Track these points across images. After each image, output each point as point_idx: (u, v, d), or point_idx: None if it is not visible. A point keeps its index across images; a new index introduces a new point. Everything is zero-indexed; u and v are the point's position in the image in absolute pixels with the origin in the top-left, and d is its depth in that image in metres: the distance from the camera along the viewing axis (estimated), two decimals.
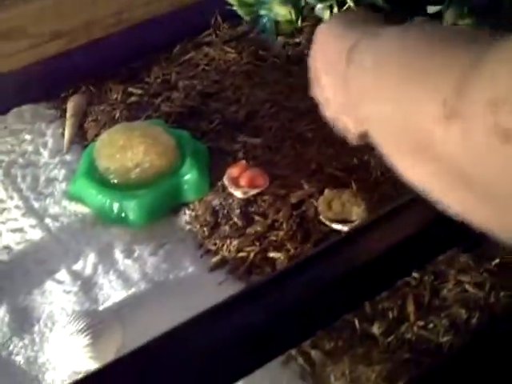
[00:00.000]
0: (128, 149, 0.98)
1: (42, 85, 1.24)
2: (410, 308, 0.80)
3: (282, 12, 1.03)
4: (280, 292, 0.52)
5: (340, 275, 0.54)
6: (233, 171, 0.98)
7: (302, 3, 1.05)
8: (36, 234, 0.99)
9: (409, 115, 0.44)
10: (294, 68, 1.21)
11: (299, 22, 1.04)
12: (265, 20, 1.08)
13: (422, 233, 0.53)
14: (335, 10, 1.04)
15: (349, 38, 0.62)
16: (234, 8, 1.08)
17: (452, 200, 0.43)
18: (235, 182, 0.96)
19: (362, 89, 0.55)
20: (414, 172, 0.45)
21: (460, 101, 0.37)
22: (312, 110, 1.09)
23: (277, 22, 1.07)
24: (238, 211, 0.94)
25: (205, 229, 0.94)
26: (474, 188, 0.39)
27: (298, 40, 1.28)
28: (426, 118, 0.41)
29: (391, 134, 0.48)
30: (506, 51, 0.35)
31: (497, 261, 0.82)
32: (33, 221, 1.01)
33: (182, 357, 0.50)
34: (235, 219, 0.94)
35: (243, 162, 0.99)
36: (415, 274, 0.82)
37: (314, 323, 0.54)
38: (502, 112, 0.34)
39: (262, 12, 1.06)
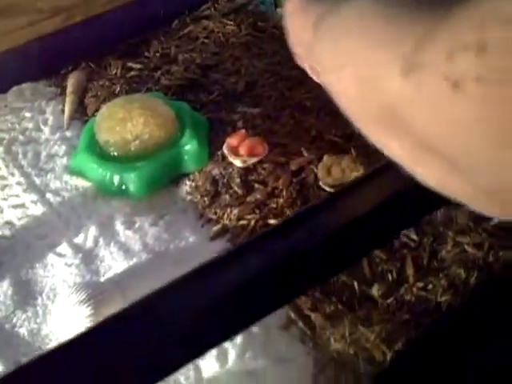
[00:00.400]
0: (127, 121, 0.98)
1: (42, 62, 1.24)
2: (409, 270, 0.80)
3: None
4: (267, 251, 0.52)
5: (332, 232, 0.53)
6: (232, 141, 0.97)
7: None
8: (37, 210, 0.99)
9: (371, 78, 0.43)
10: None
11: None
12: None
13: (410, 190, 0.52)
14: None
15: (312, 12, 0.62)
16: None
17: (423, 172, 0.41)
18: (235, 152, 0.96)
19: (323, 61, 0.54)
20: (380, 140, 0.44)
21: (418, 54, 0.37)
22: (310, 78, 1.09)
23: None
24: (237, 180, 0.94)
25: (205, 198, 0.94)
26: (437, 154, 0.37)
27: None
28: (386, 76, 0.40)
29: (355, 101, 0.47)
30: (468, 8, 0.34)
31: (495, 221, 0.81)
32: (34, 196, 1.01)
33: (181, 310, 0.50)
34: (235, 188, 0.94)
35: (242, 131, 0.99)
36: (414, 236, 0.82)
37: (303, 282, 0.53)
38: (456, 61, 0.33)
39: None
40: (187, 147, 0.97)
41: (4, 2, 1.17)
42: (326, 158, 0.93)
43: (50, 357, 0.44)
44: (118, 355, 0.46)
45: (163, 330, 0.47)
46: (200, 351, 0.49)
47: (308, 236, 0.52)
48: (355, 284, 0.79)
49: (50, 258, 0.92)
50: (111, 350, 0.46)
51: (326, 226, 0.53)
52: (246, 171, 0.95)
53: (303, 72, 1.09)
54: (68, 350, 0.45)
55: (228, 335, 0.51)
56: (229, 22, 1.27)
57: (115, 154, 0.99)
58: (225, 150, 0.97)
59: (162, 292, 0.49)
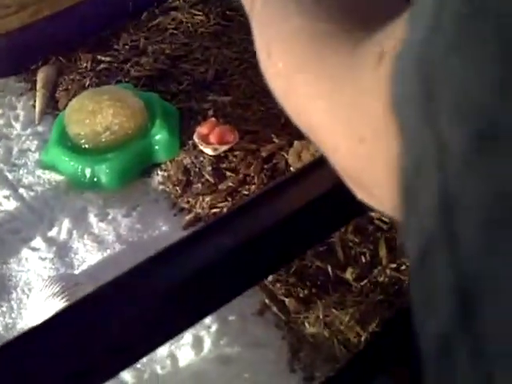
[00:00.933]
0: (97, 113, 0.98)
1: (10, 58, 1.23)
2: (382, 252, 0.80)
3: None
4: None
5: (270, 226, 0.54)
6: (202, 129, 0.98)
7: None
8: (10, 205, 0.99)
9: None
10: None
11: None
12: None
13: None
14: None
15: None
16: None
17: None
18: (205, 140, 0.96)
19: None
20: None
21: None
22: None
23: None
24: (209, 168, 0.94)
25: (177, 188, 0.94)
26: None
27: None
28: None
29: (281, 99, 0.47)
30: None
31: None
32: (6, 192, 1.01)
33: (152, 290, 0.50)
34: (207, 176, 0.94)
35: (213, 119, 0.99)
36: (386, 219, 0.82)
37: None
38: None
39: None
40: (157, 137, 0.97)
41: None
42: (295, 143, 0.93)
43: (24, 337, 0.45)
44: (91, 336, 0.46)
45: (133, 312, 0.47)
46: (170, 334, 0.49)
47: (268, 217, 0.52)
48: (329, 268, 0.79)
49: (24, 252, 0.91)
50: (84, 330, 0.46)
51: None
52: (218, 159, 0.95)
53: None
54: (42, 331, 0.45)
55: (198, 317, 0.51)
56: (197, 13, 1.27)
57: (86, 146, 0.99)
58: (195, 138, 0.97)
59: (129, 274, 0.49)
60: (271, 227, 0.51)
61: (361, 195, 0.40)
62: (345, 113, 0.37)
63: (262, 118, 1.01)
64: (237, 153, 0.96)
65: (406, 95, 0.27)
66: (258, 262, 0.51)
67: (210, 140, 0.96)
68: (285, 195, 0.53)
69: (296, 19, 0.46)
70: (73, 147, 1.00)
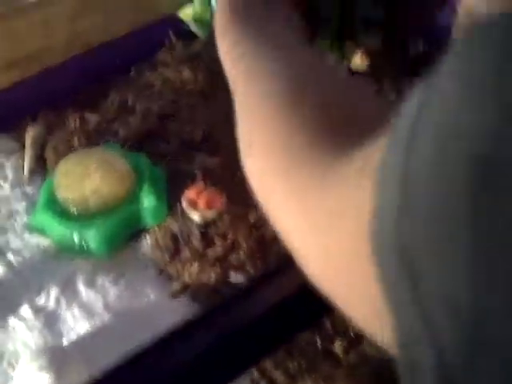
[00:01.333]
0: (85, 177, 0.98)
1: None
2: None
3: None
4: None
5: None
6: (190, 193, 0.98)
7: None
8: None
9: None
10: None
11: None
12: None
13: None
14: None
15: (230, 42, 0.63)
16: (190, 26, 1.09)
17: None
18: (193, 205, 0.96)
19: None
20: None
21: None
22: None
23: None
24: (197, 234, 0.94)
25: (165, 255, 0.94)
26: None
27: None
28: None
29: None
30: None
31: None
32: None
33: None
34: (195, 243, 0.94)
35: (200, 183, 1.00)
36: None
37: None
38: None
39: None
40: (146, 202, 0.98)
41: None
42: None
43: None
44: None
45: None
46: None
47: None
48: (318, 339, 0.79)
49: (11, 321, 0.91)
50: None
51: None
52: (206, 224, 0.95)
53: None
54: None
55: None
56: (185, 70, 1.27)
57: (75, 210, 0.99)
58: (183, 203, 0.98)
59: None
60: (265, 314, 0.51)
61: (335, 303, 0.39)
62: (320, 228, 0.37)
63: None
64: (225, 217, 0.96)
65: (385, 249, 0.27)
66: (252, 346, 0.52)
67: (198, 205, 0.96)
68: (276, 283, 0.53)
69: (274, 122, 0.47)
70: (61, 211, 1.00)
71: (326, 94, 0.47)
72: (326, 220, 0.36)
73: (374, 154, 0.31)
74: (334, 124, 0.43)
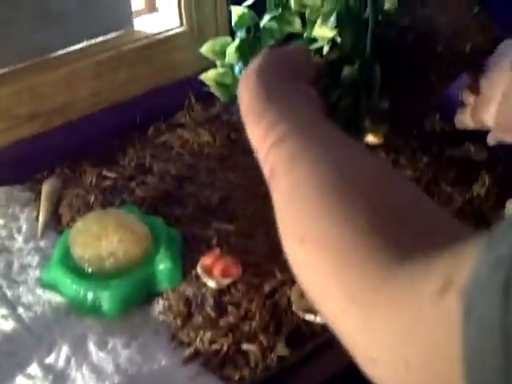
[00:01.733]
0: (102, 237, 0.99)
1: (17, 167, 1.25)
2: None
3: None
4: None
5: None
6: (206, 260, 0.99)
7: None
8: (8, 325, 0.98)
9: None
10: None
11: None
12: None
13: None
14: None
15: (266, 128, 0.63)
16: (210, 89, 1.11)
17: None
18: (208, 271, 0.97)
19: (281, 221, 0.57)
20: None
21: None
22: None
23: None
24: (211, 301, 0.95)
25: (178, 320, 0.94)
26: None
27: None
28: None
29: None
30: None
31: None
32: (5, 310, 1.00)
33: None
34: (208, 310, 0.94)
35: (217, 250, 1.00)
36: None
37: None
38: None
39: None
40: (161, 266, 0.98)
41: None
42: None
43: None
44: None
45: None
46: None
47: None
48: None
49: (19, 379, 0.90)
50: None
51: None
52: (220, 292, 0.96)
53: None
54: None
55: None
56: (203, 132, 1.29)
57: (89, 269, 0.99)
58: (199, 269, 0.98)
59: None
60: None
61: None
62: (387, 333, 0.37)
63: (266, 251, 1.02)
64: (239, 286, 0.96)
65: (483, 347, 0.28)
66: None
67: (214, 272, 0.97)
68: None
69: (330, 219, 0.47)
70: (75, 269, 1.00)
71: (379, 190, 0.47)
72: (399, 335, 0.36)
73: (458, 273, 0.31)
74: (391, 225, 0.43)
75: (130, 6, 1.39)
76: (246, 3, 1.08)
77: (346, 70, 0.97)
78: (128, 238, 0.99)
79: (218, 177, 1.18)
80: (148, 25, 1.41)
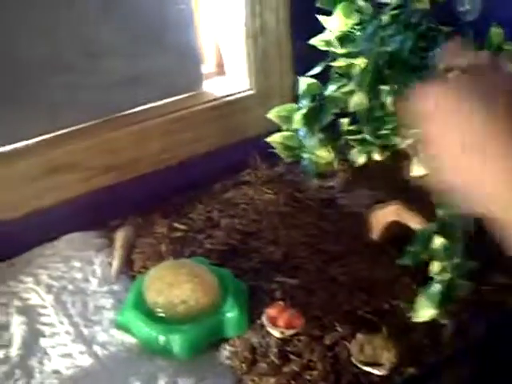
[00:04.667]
0: (175, 286, 1.07)
1: (93, 214, 1.34)
2: None
3: (322, 154, 1.14)
4: None
5: None
6: (271, 311, 1.06)
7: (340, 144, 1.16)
8: (85, 361, 1.06)
9: None
10: (326, 211, 1.32)
11: (336, 163, 1.15)
12: (305, 162, 1.18)
13: None
14: (375, 156, 1.14)
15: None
16: (275, 150, 1.19)
17: None
18: (273, 322, 1.04)
19: None
20: None
21: None
22: (343, 254, 1.19)
23: (316, 164, 1.17)
24: (275, 350, 1.02)
25: (243, 365, 1.01)
26: None
27: (331, 184, 1.39)
28: None
29: None
30: None
31: None
32: (82, 347, 1.08)
33: None
34: (272, 357, 1.01)
35: (281, 302, 1.08)
36: None
37: None
38: None
39: (304, 155, 1.17)
40: (229, 314, 1.06)
41: (60, 161, 1.29)
42: (358, 335, 1.01)
43: None
44: None
45: None
46: None
47: None
48: None
49: None
50: None
51: None
52: (283, 342, 1.03)
53: (336, 247, 1.20)
54: None
55: None
56: (268, 191, 1.38)
57: (162, 314, 1.07)
58: (264, 319, 1.05)
59: None
60: None
61: None
62: None
63: (326, 305, 1.09)
64: (302, 337, 1.03)
65: None
66: None
67: (278, 323, 1.04)
68: None
69: None
70: (148, 313, 1.08)
71: None
72: None
73: None
74: None
75: (200, 69, 1.48)
76: (311, 72, 1.16)
77: None
78: (199, 288, 1.07)
79: (280, 234, 1.26)
80: (217, 87, 1.51)
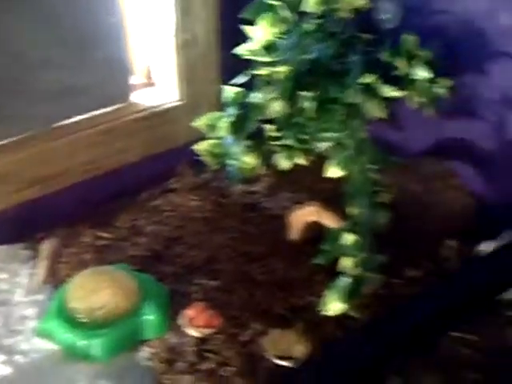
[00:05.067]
0: (96, 292, 1.08)
1: (18, 227, 1.34)
2: None
3: (247, 160, 1.16)
4: None
5: None
6: (190, 312, 1.08)
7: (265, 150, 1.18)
8: (5, 370, 1.06)
9: None
10: (249, 215, 1.35)
11: (261, 169, 1.17)
12: (230, 168, 1.20)
13: None
14: (299, 160, 1.16)
15: None
16: (202, 157, 1.21)
17: None
18: (192, 322, 1.06)
19: None
20: None
21: None
22: (264, 255, 1.22)
23: (241, 170, 1.19)
24: (192, 349, 1.04)
25: (162, 365, 1.02)
26: None
27: (255, 188, 1.41)
28: None
29: None
30: None
31: None
32: (3, 357, 1.08)
33: None
34: (190, 356, 1.03)
35: (200, 303, 1.10)
36: None
37: None
38: None
39: (229, 161, 1.19)
40: (148, 317, 1.07)
41: None
42: (272, 331, 1.03)
43: None
44: None
45: None
46: None
47: None
48: None
49: None
50: None
51: None
52: (202, 341, 1.05)
53: (257, 249, 1.23)
54: None
55: None
56: (193, 197, 1.40)
57: (83, 320, 1.08)
58: (182, 320, 1.07)
59: None
60: None
61: None
62: None
63: (244, 304, 1.11)
64: (219, 336, 1.05)
65: None
66: None
67: (197, 323, 1.06)
68: None
69: None
70: (70, 319, 1.09)
71: None
72: None
73: None
74: None
75: (128, 81, 1.50)
76: (235, 81, 1.18)
77: None
78: (119, 292, 1.09)
79: (204, 238, 1.28)
80: (145, 98, 1.52)
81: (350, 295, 1.01)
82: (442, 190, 1.31)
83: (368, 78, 1.06)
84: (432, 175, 1.33)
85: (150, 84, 1.59)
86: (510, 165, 1.26)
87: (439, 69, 1.11)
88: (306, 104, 1.11)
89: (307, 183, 1.38)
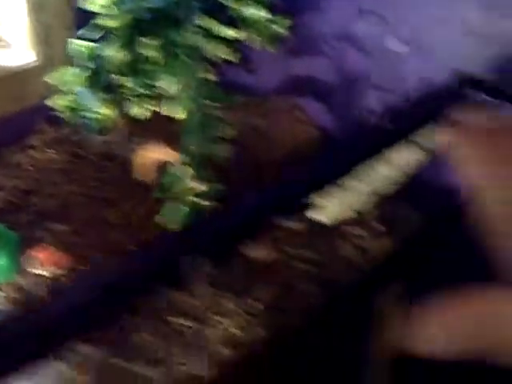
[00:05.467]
0: None
1: None
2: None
3: (104, 112, 1.18)
4: None
5: None
6: (37, 254, 1.11)
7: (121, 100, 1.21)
8: None
9: None
10: (105, 163, 1.38)
11: (117, 119, 1.20)
12: (87, 121, 1.22)
13: None
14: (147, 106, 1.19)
15: None
16: (60, 113, 1.23)
17: None
18: (40, 264, 1.10)
19: None
20: None
21: None
22: (117, 199, 1.26)
23: (98, 121, 1.22)
24: (43, 288, 1.07)
25: (12, 306, 1.06)
26: None
27: (110, 139, 1.45)
28: None
29: None
30: None
31: None
32: None
33: None
34: (41, 296, 1.06)
35: (47, 245, 1.13)
36: (182, 321, 0.96)
37: None
38: None
39: (86, 114, 1.21)
40: None
41: None
42: None
43: None
44: None
45: None
46: None
47: None
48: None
49: None
50: None
51: None
52: (52, 280, 1.09)
53: (113, 194, 1.26)
54: None
55: None
56: (52, 151, 1.42)
57: None
58: (30, 262, 1.11)
59: None
60: None
61: None
62: None
63: (96, 244, 1.15)
64: (69, 274, 1.09)
65: None
66: None
67: (46, 264, 1.09)
68: None
69: None
70: None
71: None
72: None
73: None
74: None
75: None
76: (81, 33, 1.19)
77: None
78: None
79: (60, 188, 1.31)
80: (1, 60, 1.52)
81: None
82: (289, 124, 1.37)
83: (204, 21, 1.10)
84: (279, 111, 1.39)
85: (6, 46, 1.59)
86: (348, 96, 1.33)
87: (277, 9, 1.15)
88: (150, 50, 1.14)
89: (160, 128, 1.41)
